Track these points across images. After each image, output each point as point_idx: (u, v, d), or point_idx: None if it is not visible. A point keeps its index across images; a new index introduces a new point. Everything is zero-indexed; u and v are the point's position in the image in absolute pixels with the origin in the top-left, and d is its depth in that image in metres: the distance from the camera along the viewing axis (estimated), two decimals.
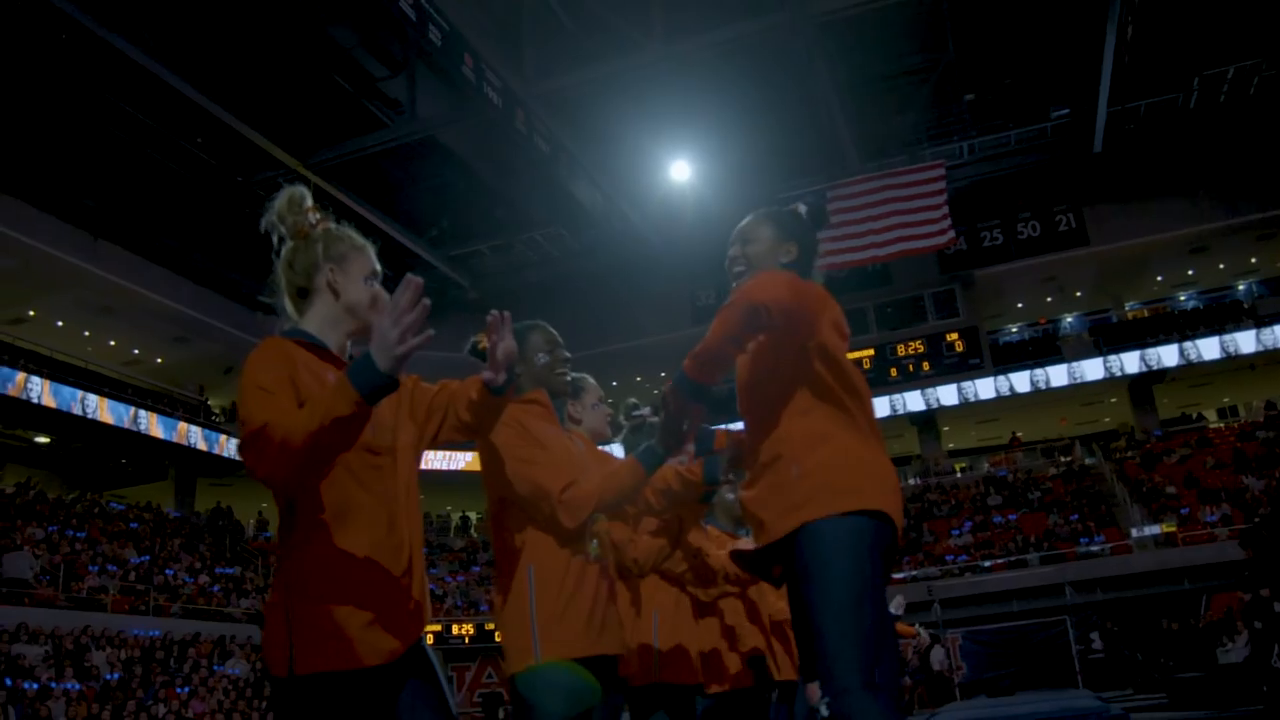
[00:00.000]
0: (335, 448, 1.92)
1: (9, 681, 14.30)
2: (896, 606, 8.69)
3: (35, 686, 14.59)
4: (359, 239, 2.31)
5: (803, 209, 2.74)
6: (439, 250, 26.66)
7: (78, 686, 15.29)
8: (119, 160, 22.09)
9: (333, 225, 2.29)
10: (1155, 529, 23.03)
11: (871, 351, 28.01)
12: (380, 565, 2.09)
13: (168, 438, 25.44)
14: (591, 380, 3.41)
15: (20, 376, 21.98)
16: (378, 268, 2.31)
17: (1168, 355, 26.95)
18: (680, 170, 24.94)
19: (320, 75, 20.60)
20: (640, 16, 20.52)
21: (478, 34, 19.59)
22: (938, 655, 19.84)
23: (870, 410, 2.51)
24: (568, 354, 2.99)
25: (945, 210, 23.01)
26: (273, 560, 26.04)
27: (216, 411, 29.39)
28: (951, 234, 23.32)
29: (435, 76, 19.99)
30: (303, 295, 2.27)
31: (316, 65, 20.30)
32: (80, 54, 18.48)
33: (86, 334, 26.33)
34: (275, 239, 2.32)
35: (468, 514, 33.74)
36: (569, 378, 3.03)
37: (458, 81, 19.04)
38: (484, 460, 2.75)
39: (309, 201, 2.32)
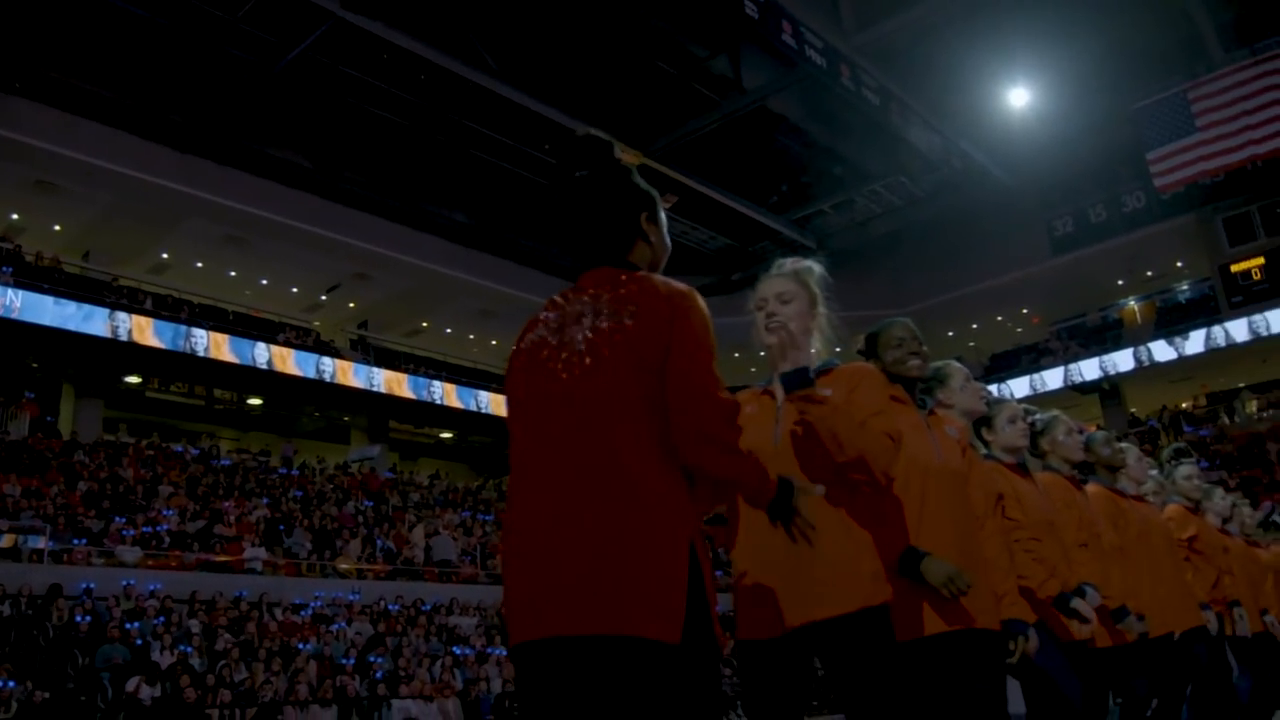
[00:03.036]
0: None
1: (456, 650, 16.24)
2: None
3: (472, 652, 16.46)
4: None
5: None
6: (782, 215, 26.94)
7: (506, 651, 17.05)
8: (481, 177, 24.15)
9: None
10: None
11: (1262, 260, 25.23)
12: None
13: None
14: (955, 364, 3.49)
15: (422, 383, 24.86)
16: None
17: None
18: (1019, 96, 23.69)
19: (647, 65, 21.44)
20: None
21: None
22: None
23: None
24: (917, 347, 2.99)
25: None
26: None
27: None
28: None
29: (757, 48, 20.25)
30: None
31: (643, 56, 21.14)
32: (435, 86, 20.45)
33: (471, 337, 29.04)
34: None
35: None
36: (916, 364, 3.00)
37: (780, 49, 19.18)
38: None
39: None
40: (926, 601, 2.71)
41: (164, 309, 21.23)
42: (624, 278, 1.96)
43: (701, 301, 1.92)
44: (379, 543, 19.66)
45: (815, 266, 2.72)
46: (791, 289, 2.63)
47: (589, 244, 2.05)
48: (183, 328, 20.49)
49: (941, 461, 2.88)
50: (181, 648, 13.16)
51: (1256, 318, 25.13)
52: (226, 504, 18.21)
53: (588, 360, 1.87)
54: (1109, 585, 3.80)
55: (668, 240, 2.13)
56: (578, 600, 1.72)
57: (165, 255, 22.79)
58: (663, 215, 2.12)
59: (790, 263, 2.69)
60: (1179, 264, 28.27)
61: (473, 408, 25.71)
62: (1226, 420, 26.69)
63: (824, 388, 2.44)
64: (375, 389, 23.82)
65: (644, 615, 1.70)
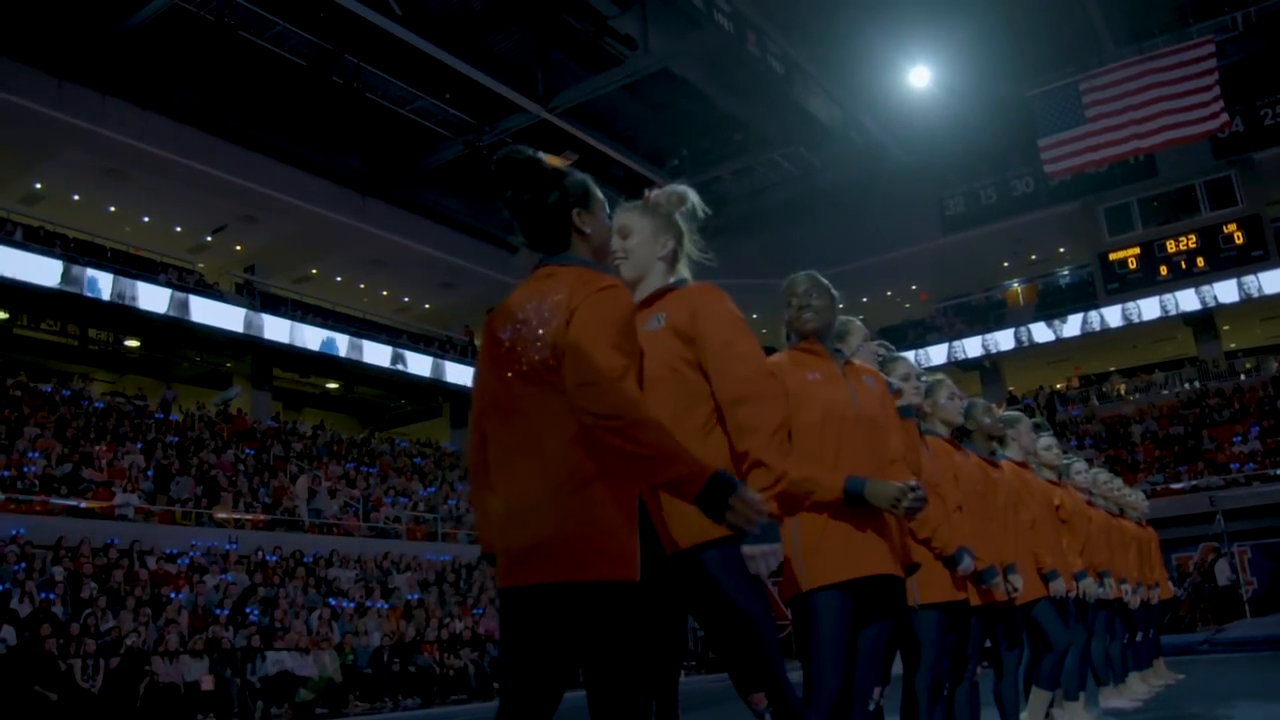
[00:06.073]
0: None
1: (334, 603, 16.02)
2: None
3: (352, 605, 16.26)
4: None
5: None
6: (681, 180, 26.83)
7: (385, 605, 16.91)
8: (378, 123, 23.55)
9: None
10: None
11: (1138, 250, 26.29)
12: None
13: (437, 378, 27.20)
14: (857, 323, 3.53)
15: (309, 331, 24.31)
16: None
17: None
18: (919, 76, 24.02)
19: (553, 20, 21.13)
20: None
21: None
22: (1223, 569, 18.82)
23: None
24: (808, 301, 3.01)
25: (1216, 91, 21.16)
26: None
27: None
28: (1224, 117, 21.44)
29: (665, 8, 20.11)
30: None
31: (549, 9, 20.82)
32: (335, 27, 19.84)
33: (362, 286, 28.43)
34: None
35: None
36: (808, 318, 3.02)
37: (688, 10, 19.10)
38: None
39: None
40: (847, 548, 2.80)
41: (35, 241, 20.26)
42: (547, 273, 2.15)
43: (620, 294, 2.04)
44: (260, 492, 19.23)
45: (669, 189, 2.66)
46: (631, 221, 2.60)
47: (535, 245, 2.23)
48: (58, 263, 19.60)
49: (858, 410, 2.94)
50: (44, 595, 12.68)
51: (1130, 305, 26.17)
52: (98, 448, 17.57)
53: (532, 350, 2.04)
54: (980, 547, 3.90)
55: (606, 222, 2.28)
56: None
57: (39, 186, 21.69)
58: (596, 203, 2.23)
59: (648, 193, 2.65)
60: (1061, 249, 29.22)
61: (361, 359, 25.25)
62: (1096, 402, 27.79)
63: (658, 312, 2.49)
64: (261, 335, 23.18)
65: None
